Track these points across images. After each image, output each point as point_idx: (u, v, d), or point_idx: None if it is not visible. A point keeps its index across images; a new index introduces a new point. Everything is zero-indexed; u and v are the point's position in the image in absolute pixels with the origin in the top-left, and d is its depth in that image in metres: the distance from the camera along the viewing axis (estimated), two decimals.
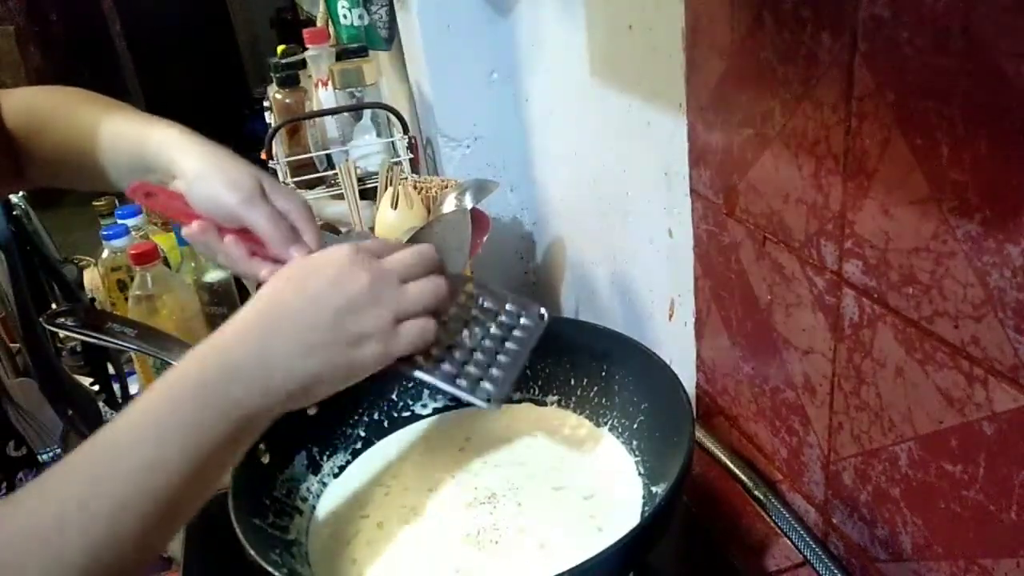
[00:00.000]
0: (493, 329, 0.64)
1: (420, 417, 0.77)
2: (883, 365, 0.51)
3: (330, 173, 1.33)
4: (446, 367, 0.60)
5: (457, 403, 0.78)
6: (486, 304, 0.65)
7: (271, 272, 0.61)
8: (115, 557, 0.43)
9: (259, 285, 0.57)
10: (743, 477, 0.70)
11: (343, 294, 0.52)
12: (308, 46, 1.43)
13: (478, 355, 0.61)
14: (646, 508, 0.62)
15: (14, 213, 0.85)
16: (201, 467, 0.47)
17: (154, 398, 0.48)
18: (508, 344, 0.63)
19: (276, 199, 0.61)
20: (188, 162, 0.61)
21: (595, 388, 0.74)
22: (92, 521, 0.43)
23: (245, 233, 0.60)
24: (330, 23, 1.52)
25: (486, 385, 0.59)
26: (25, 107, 0.68)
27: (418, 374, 0.60)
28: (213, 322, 1.04)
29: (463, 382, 0.59)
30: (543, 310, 0.64)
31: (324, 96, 1.42)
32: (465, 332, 0.62)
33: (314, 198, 1.31)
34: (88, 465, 0.46)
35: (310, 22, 2.06)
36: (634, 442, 0.69)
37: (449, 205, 0.91)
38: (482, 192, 0.90)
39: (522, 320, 0.65)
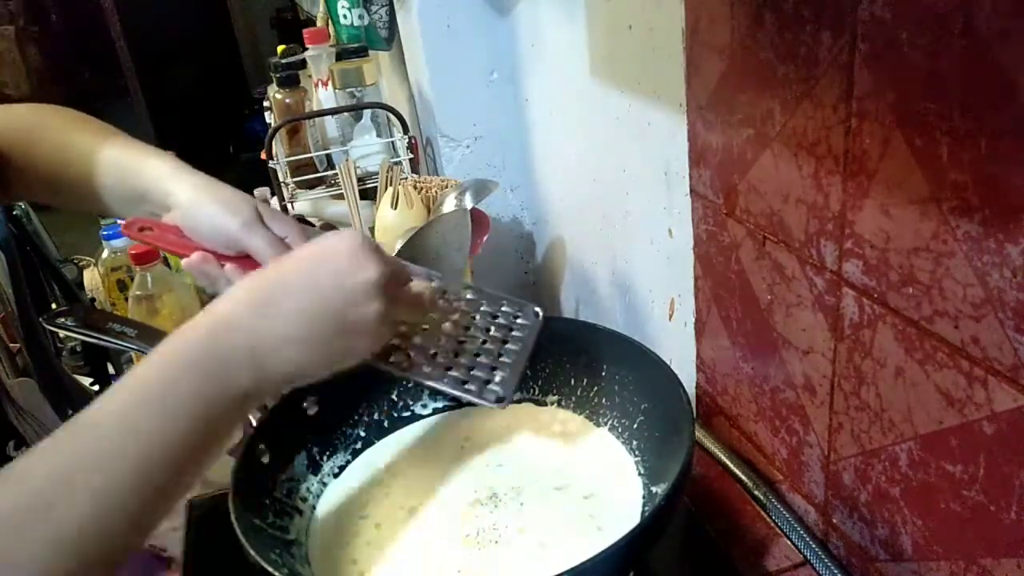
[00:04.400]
0: (493, 331, 0.66)
1: (420, 417, 0.77)
2: (883, 365, 0.51)
3: (330, 173, 1.33)
4: (454, 373, 0.62)
5: (457, 403, 0.78)
6: (484, 307, 0.66)
7: None
8: (107, 534, 0.43)
9: None
10: (743, 477, 0.70)
11: (349, 284, 0.52)
12: (308, 46, 1.43)
13: (482, 358, 0.63)
14: (646, 508, 0.62)
15: (14, 213, 0.85)
16: (195, 445, 0.47)
17: (147, 376, 0.48)
18: (509, 345, 0.65)
19: (273, 224, 0.62)
20: (184, 192, 0.62)
21: (595, 388, 0.74)
22: (82, 498, 0.43)
23: (244, 260, 0.61)
24: (330, 23, 1.52)
25: (493, 387, 0.61)
26: (17, 123, 0.68)
27: (429, 383, 0.62)
28: None
29: (472, 386, 0.61)
30: (538, 309, 0.65)
31: (324, 96, 1.42)
32: (467, 337, 0.64)
33: (314, 198, 1.31)
34: (77, 440, 0.45)
35: (310, 22, 2.06)
36: (634, 442, 0.69)
37: (449, 205, 0.91)
38: (482, 192, 0.90)
39: (519, 320, 0.67)
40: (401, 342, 0.63)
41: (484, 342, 0.65)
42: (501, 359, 0.64)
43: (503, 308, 0.68)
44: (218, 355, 0.49)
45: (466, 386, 0.61)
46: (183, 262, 0.62)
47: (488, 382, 0.62)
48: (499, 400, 0.61)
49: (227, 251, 0.61)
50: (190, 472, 0.49)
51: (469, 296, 0.68)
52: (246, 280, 0.53)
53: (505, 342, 0.65)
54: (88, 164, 0.65)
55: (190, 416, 0.47)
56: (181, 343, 0.49)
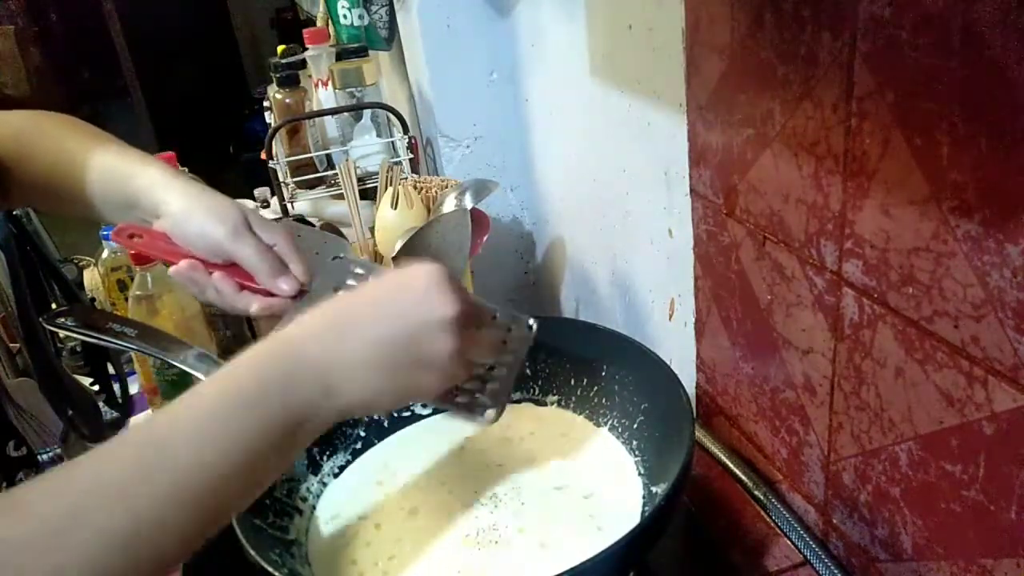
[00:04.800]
0: None
1: (420, 417, 0.77)
2: (883, 365, 0.51)
3: (330, 173, 1.33)
4: None
5: None
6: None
7: (262, 306, 0.62)
8: (155, 546, 0.43)
9: (250, 319, 0.58)
10: (743, 477, 0.70)
11: (428, 316, 0.50)
12: (308, 46, 1.43)
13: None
14: (646, 508, 0.62)
15: (14, 213, 0.85)
16: (250, 468, 0.46)
17: (213, 391, 0.47)
18: (500, 357, 0.63)
19: (261, 232, 0.62)
20: (173, 200, 0.62)
21: (595, 388, 0.74)
22: (135, 508, 0.42)
23: (232, 268, 0.61)
24: (330, 23, 1.52)
25: (484, 400, 0.60)
26: (12, 131, 0.68)
27: None
28: (213, 322, 1.04)
29: (462, 400, 0.60)
30: (531, 320, 0.64)
31: (324, 96, 1.42)
32: None
33: (314, 198, 1.31)
34: (136, 453, 0.44)
35: (310, 22, 2.06)
36: (634, 442, 0.69)
37: (449, 205, 0.91)
38: (482, 192, 0.90)
39: (512, 331, 0.65)
40: None
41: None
42: (492, 372, 0.61)
43: (497, 319, 0.65)
44: (289, 375, 0.48)
45: (456, 400, 0.60)
46: (171, 270, 0.62)
47: (478, 395, 0.60)
48: (490, 416, 0.59)
49: (215, 259, 0.61)
50: (248, 489, 0.48)
51: None
52: (321, 306, 0.52)
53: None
54: (80, 170, 0.65)
55: (256, 433, 0.46)
56: (252, 362, 0.48)
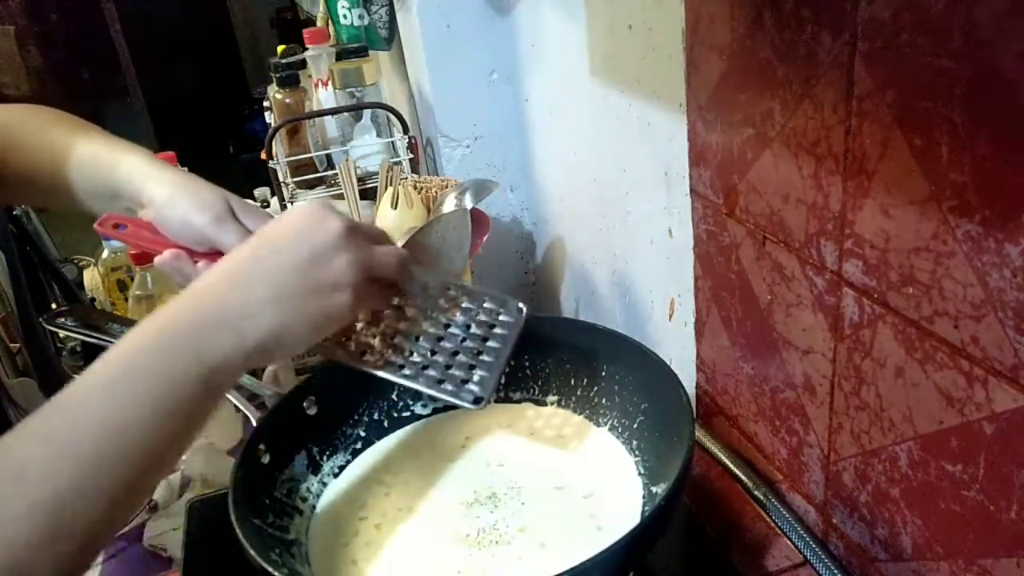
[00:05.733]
0: (473, 328, 0.63)
1: (420, 417, 0.77)
2: (883, 365, 0.51)
3: (330, 173, 1.33)
4: (430, 372, 0.61)
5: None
6: (465, 304, 0.65)
7: None
8: (84, 501, 0.43)
9: None
10: (743, 477, 0.70)
11: (313, 240, 0.53)
12: (308, 46, 1.43)
13: (460, 356, 0.62)
14: (646, 508, 0.62)
15: (14, 213, 0.85)
16: (170, 422, 0.47)
17: (123, 351, 0.48)
18: (489, 343, 0.63)
19: (245, 219, 0.62)
20: (156, 189, 0.62)
21: (595, 388, 0.74)
22: (58, 465, 0.43)
23: (217, 256, 0.61)
24: (330, 23, 1.52)
25: (471, 386, 0.59)
26: None
27: (403, 382, 0.60)
28: None
29: (448, 386, 0.60)
30: (521, 304, 0.64)
31: (324, 96, 1.42)
32: (446, 334, 0.63)
33: (314, 198, 1.31)
34: (56, 413, 0.45)
35: (310, 22, 2.06)
36: (634, 442, 0.69)
37: (449, 205, 0.91)
38: (482, 192, 0.90)
39: (501, 316, 0.64)
40: (376, 340, 0.62)
41: (463, 340, 0.62)
42: (481, 357, 0.62)
43: (485, 304, 0.65)
44: (188, 325, 0.49)
45: (442, 385, 0.60)
46: (155, 260, 0.62)
47: (466, 381, 0.60)
48: (477, 400, 0.59)
49: (199, 247, 0.61)
50: (171, 444, 0.48)
51: (450, 292, 0.65)
52: (219, 261, 0.54)
53: (486, 340, 0.63)
54: (63, 161, 0.65)
55: (166, 386, 0.47)
56: (155, 320, 0.50)
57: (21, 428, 0.44)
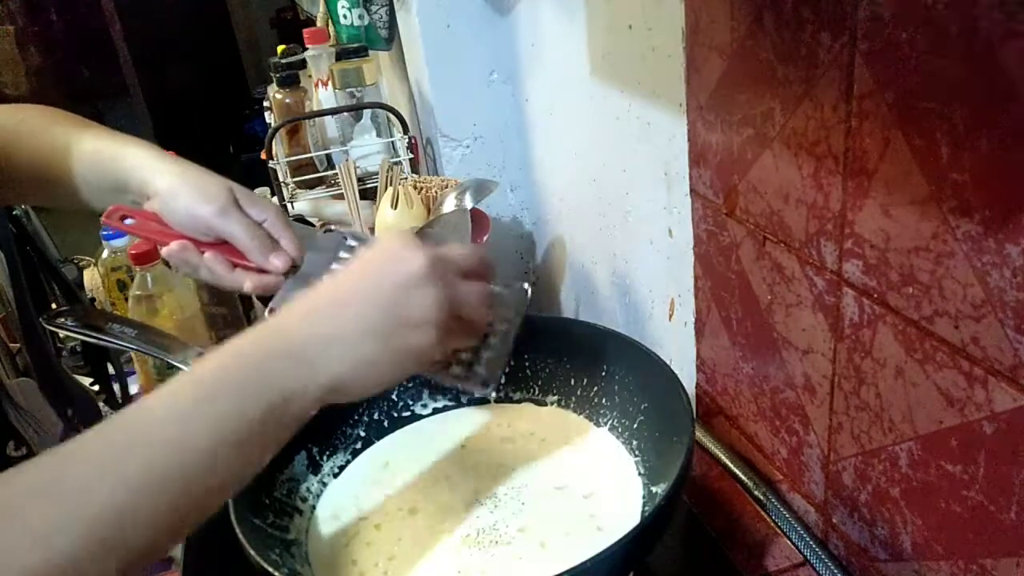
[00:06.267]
0: None
1: (420, 417, 0.77)
2: (883, 365, 0.51)
3: (330, 173, 1.33)
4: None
5: (457, 403, 0.78)
6: None
7: (255, 283, 0.62)
8: (135, 530, 0.42)
9: (243, 297, 0.58)
10: (743, 477, 0.70)
11: (396, 275, 0.50)
12: (308, 46, 1.43)
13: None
14: (646, 508, 0.62)
15: (14, 213, 0.85)
16: (233, 454, 0.45)
17: (189, 376, 0.47)
18: (496, 325, 0.62)
19: (250, 209, 0.62)
20: (161, 180, 0.61)
21: (595, 388, 0.74)
22: (115, 489, 0.41)
23: (224, 246, 0.61)
24: (330, 23, 1.52)
25: (479, 370, 0.59)
26: None
27: None
28: (213, 322, 1.04)
29: (457, 369, 0.59)
30: (526, 284, 0.63)
31: (324, 96, 1.42)
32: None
33: (314, 198, 1.31)
34: (120, 431, 0.44)
35: (310, 22, 2.06)
36: (634, 442, 0.69)
37: (449, 205, 0.91)
38: (482, 192, 0.90)
39: (506, 296, 0.64)
40: None
41: None
42: (489, 340, 0.61)
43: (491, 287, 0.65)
44: (263, 356, 0.47)
45: (451, 369, 0.60)
46: (163, 251, 0.62)
47: (473, 364, 0.59)
48: (485, 384, 0.59)
49: (206, 238, 0.61)
50: (229, 476, 0.47)
51: None
52: (305, 293, 0.52)
53: (491, 323, 0.62)
54: (66, 157, 0.65)
55: (229, 416, 0.45)
56: (236, 344, 0.48)
57: (76, 443, 0.43)
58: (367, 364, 0.50)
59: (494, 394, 0.59)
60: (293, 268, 0.62)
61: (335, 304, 0.50)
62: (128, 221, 0.63)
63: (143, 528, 0.42)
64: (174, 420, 0.44)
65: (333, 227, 0.65)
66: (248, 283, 0.62)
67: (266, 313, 0.59)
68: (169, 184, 0.61)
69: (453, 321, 0.52)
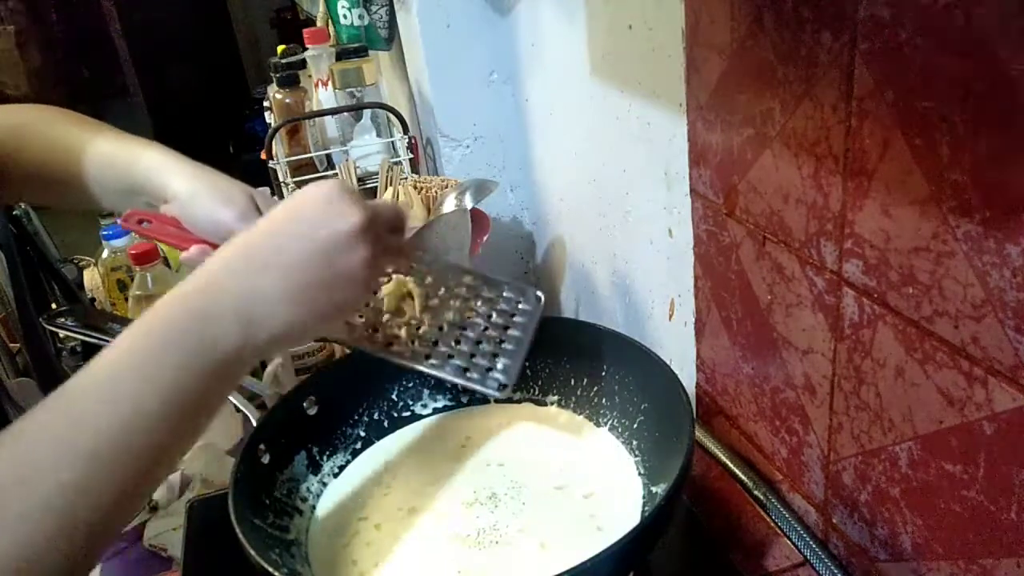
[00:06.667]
0: (494, 317, 0.65)
1: (420, 417, 0.77)
2: (883, 365, 0.51)
3: (330, 173, 1.33)
4: (456, 361, 0.62)
5: (457, 403, 0.78)
6: (485, 294, 0.66)
7: None
8: (93, 497, 0.42)
9: None
10: (743, 477, 0.70)
11: (331, 230, 0.50)
12: (308, 46, 1.44)
13: (484, 345, 0.63)
14: (646, 508, 0.62)
15: (14, 213, 0.85)
16: (177, 415, 0.46)
17: (126, 344, 0.46)
18: (511, 331, 0.65)
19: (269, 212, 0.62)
20: (179, 183, 0.61)
21: (595, 388, 0.74)
22: (67, 460, 0.42)
23: None
24: (330, 23, 1.52)
25: (495, 374, 0.61)
26: (4, 124, 0.67)
27: (431, 371, 0.61)
28: None
29: (474, 374, 0.61)
30: (539, 293, 0.65)
31: (324, 96, 1.42)
32: (469, 324, 0.64)
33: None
34: (63, 405, 0.44)
35: (310, 22, 2.06)
36: (634, 442, 0.69)
37: (449, 205, 0.91)
38: (482, 192, 0.90)
39: (520, 305, 0.66)
40: (403, 331, 0.62)
41: (485, 329, 0.64)
42: (503, 346, 0.63)
43: (504, 293, 0.67)
44: (201, 315, 0.47)
45: (468, 374, 0.61)
46: (181, 256, 0.62)
47: (490, 369, 0.61)
48: (501, 387, 0.60)
49: (224, 242, 0.61)
50: (178, 438, 0.47)
51: (469, 281, 0.66)
52: (226, 244, 0.51)
53: (507, 328, 0.64)
54: (78, 160, 0.65)
55: (174, 379, 0.46)
56: (164, 307, 0.48)
57: (24, 424, 0.43)
58: (299, 320, 0.50)
59: (503, 394, 0.60)
60: None
61: (268, 257, 0.49)
62: (145, 225, 0.63)
63: (100, 499, 0.42)
64: (116, 390, 0.45)
65: None
66: None
67: None
68: (188, 188, 0.61)
69: (375, 276, 0.53)
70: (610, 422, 0.72)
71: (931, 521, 0.51)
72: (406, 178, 1.12)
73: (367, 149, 1.33)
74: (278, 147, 1.32)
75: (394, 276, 0.63)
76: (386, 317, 0.63)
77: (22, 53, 4.21)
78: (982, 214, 0.41)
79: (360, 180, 1.20)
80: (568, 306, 1.18)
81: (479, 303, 0.65)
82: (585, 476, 0.67)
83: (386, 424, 0.76)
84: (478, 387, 0.60)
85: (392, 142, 1.32)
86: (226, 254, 0.50)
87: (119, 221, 0.64)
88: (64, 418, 0.44)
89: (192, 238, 0.62)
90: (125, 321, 0.71)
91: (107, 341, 0.68)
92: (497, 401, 0.77)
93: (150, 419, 0.45)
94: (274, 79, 1.45)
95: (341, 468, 0.72)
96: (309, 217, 0.51)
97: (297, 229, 0.50)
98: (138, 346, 0.46)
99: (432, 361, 0.61)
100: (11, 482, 0.41)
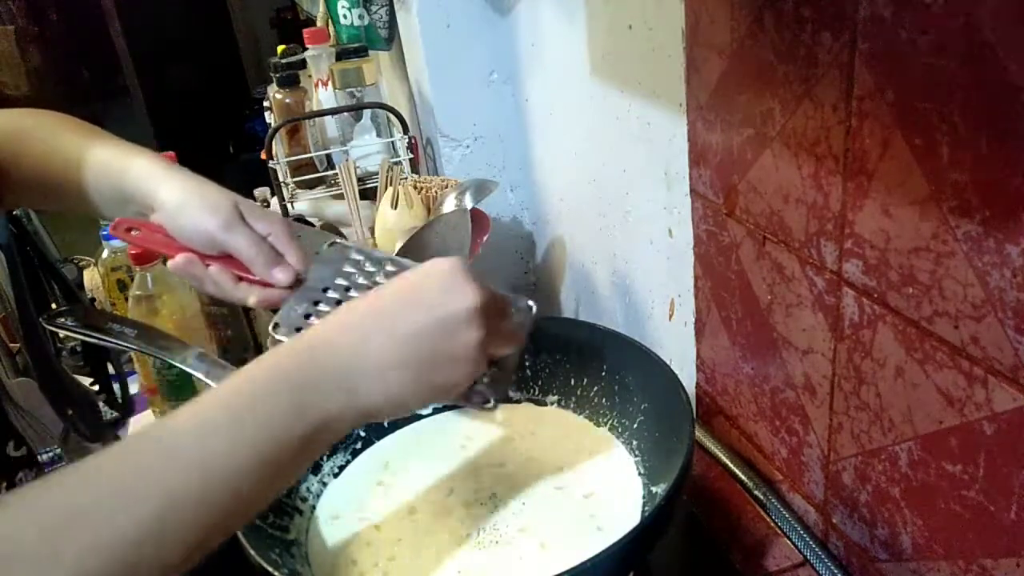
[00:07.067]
0: None
1: (420, 417, 0.77)
2: (883, 365, 0.51)
3: (330, 173, 1.33)
4: None
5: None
6: None
7: (260, 297, 0.61)
8: (162, 545, 0.41)
9: (250, 319, 0.57)
10: (743, 477, 0.70)
11: (447, 309, 0.49)
12: (308, 46, 1.43)
13: None
14: (646, 508, 0.62)
15: (14, 213, 0.85)
16: (264, 473, 0.44)
17: (225, 390, 0.46)
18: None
19: (255, 222, 0.62)
20: (167, 192, 0.61)
21: (595, 388, 0.74)
22: (143, 506, 0.40)
23: (229, 260, 0.61)
24: (330, 23, 1.52)
25: (482, 388, 0.59)
26: (5, 129, 0.67)
27: None
28: (213, 322, 1.04)
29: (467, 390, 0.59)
30: (531, 302, 0.63)
31: (324, 96, 1.42)
32: None
33: (314, 198, 1.31)
34: (150, 446, 0.43)
35: (310, 22, 2.06)
36: (634, 442, 0.69)
37: (449, 205, 0.91)
38: (482, 192, 0.90)
39: (512, 315, 0.64)
40: None
41: None
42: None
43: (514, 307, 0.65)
44: (309, 375, 0.46)
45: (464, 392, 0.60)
46: (168, 264, 0.62)
47: (476, 383, 0.60)
48: (487, 402, 0.59)
49: (210, 251, 0.61)
50: (258, 496, 0.46)
51: None
52: (343, 306, 0.51)
53: None
54: (75, 166, 0.65)
55: (265, 440, 0.44)
56: (272, 360, 0.47)
57: (104, 461, 0.42)
58: (405, 394, 0.49)
59: (490, 409, 0.59)
60: (298, 282, 0.62)
61: (381, 330, 0.48)
62: (134, 233, 0.63)
63: (169, 548, 0.41)
64: (201, 443, 0.43)
65: (338, 240, 0.65)
66: (253, 297, 0.61)
67: (270, 328, 0.59)
68: (175, 197, 0.61)
69: (484, 358, 0.51)
70: (610, 422, 0.72)
71: (931, 521, 0.51)
72: (406, 178, 1.12)
73: (367, 149, 1.33)
74: (278, 147, 1.32)
75: None
76: None
77: (22, 53, 4.21)
78: (982, 214, 0.41)
79: (360, 180, 1.20)
80: (568, 306, 1.18)
81: None
82: (585, 476, 0.67)
83: (386, 424, 0.76)
84: (463, 402, 0.58)
85: (392, 142, 1.32)
86: (336, 318, 0.50)
87: (108, 230, 0.63)
88: (148, 460, 0.43)
89: (179, 246, 0.62)
90: (125, 321, 0.71)
91: (107, 341, 0.68)
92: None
93: (235, 472, 0.43)
94: (274, 79, 1.45)
95: (341, 468, 0.72)
96: (431, 290, 0.50)
97: (415, 300, 0.49)
98: (234, 399, 0.45)
99: None
100: (80, 524, 0.39)
